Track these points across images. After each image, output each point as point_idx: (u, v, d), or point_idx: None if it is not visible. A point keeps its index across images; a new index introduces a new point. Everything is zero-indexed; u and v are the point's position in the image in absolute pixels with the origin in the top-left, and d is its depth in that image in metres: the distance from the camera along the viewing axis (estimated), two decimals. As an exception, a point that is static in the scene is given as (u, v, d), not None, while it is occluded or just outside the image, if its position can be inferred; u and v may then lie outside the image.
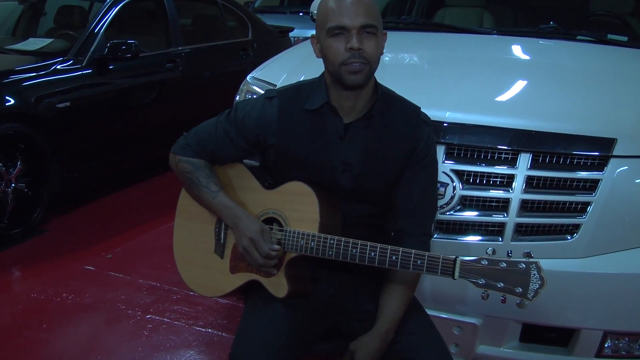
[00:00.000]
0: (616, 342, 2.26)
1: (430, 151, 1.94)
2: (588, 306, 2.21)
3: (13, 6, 5.42)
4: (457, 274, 1.67)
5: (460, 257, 1.70)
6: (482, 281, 1.65)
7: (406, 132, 1.89)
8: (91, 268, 3.74)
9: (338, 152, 1.87)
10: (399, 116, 1.90)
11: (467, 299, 2.27)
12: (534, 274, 1.62)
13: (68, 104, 4.27)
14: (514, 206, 2.21)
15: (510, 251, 1.68)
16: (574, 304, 2.21)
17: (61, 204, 4.53)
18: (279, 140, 1.89)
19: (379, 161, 1.88)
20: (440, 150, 2.26)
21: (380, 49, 1.80)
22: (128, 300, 3.38)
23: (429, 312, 2.19)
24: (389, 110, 1.89)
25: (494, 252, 1.69)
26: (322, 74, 1.89)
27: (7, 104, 3.92)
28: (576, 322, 2.24)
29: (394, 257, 1.73)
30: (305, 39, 7.14)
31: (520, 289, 1.63)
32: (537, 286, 1.62)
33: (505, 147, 2.24)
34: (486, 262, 1.65)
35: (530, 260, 1.63)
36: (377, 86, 1.90)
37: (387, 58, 3.05)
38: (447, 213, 2.26)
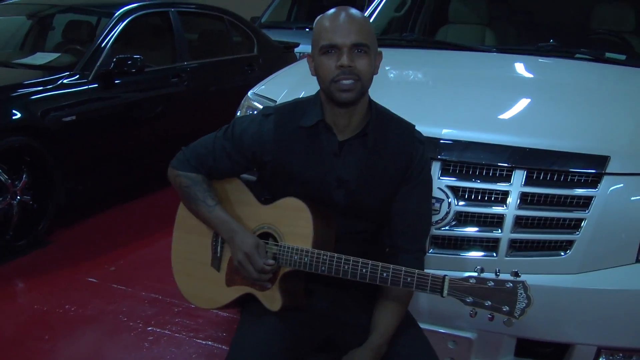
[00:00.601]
0: (610, 357, 2.28)
1: (425, 169, 1.97)
2: (582, 322, 2.23)
3: (22, 21, 5.49)
4: (445, 291, 1.70)
5: (449, 275, 1.72)
6: (470, 299, 1.68)
7: (400, 150, 1.92)
8: (94, 280, 3.78)
9: (332, 169, 1.90)
10: (393, 134, 1.93)
11: (462, 314, 2.29)
12: (521, 293, 1.65)
13: (74, 117, 4.32)
14: (508, 222, 2.24)
15: (499, 270, 1.71)
16: (567, 320, 2.24)
17: (66, 216, 4.58)
18: (275, 157, 1.93)
19: (374, 178, 1.91)
20: (436, 167, 2.30)
21: (372, 68, 1.84)
22: (130, 312, 3.42)
23: (425, 326, 2.22)
24: (383, 129, 1.92)
25: (482, 270, 1.71)
26: (318, 92, 1.94)
27: (13, 117, 3.98)
28: (570, 338, 2.26)
29: (384, 274, 1.76)
30: (311, 54, 7.20)
31: (507, 308, 1.66)
32: (524, 305, 1.65)
33: (500, 164, 2.27)
34: (474, 281, 1.68)
35: (518, 279, 1.66)
36: (372, 104, 1.93)
37: (386, 75, 3.10)
38: (443, 228, 2.30)
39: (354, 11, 1.84)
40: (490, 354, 2.35)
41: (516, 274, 1.67)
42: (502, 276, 1.68)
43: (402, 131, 1.95)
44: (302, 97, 2.02)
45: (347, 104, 1.82)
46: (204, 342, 3.17)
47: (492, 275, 1.69)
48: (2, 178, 3.91)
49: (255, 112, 2.08)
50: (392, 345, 1.92)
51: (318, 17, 1.88)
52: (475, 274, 1.69)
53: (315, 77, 1.88)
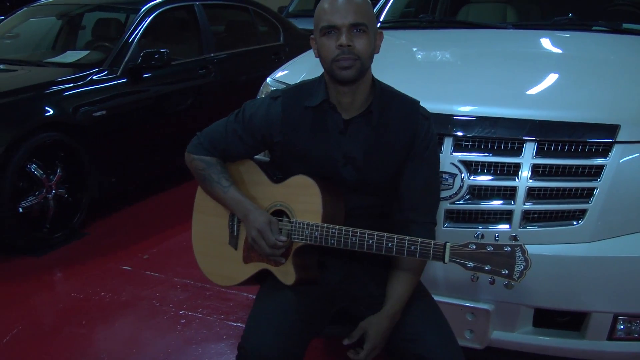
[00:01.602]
0: (628, 325, 2.30)
1: (431, 143, 2.01)
2: (596, 289, 2.25)
3: (52, 22, 5.64)
4: (447, 258, 1.76)
5: (450, 242, 1.77)
6: (470, 264, 1.73)
7: (405, 126, 1.97)
8: (128, 268, 3.91)
9: (339, 147, 1.96)
10: (397, 111, 1.98)
11: (479, 285, 2.33)
12: (519, 256, 1.69)
13: (104, 112, 4.46)
14: (520, 194, 2.27)
15: (497, 235, 1.75)
16: (582, 288, 2.25)
17: (100, 208, 4.73)
18: (283, 137, 2.00)
19: (380, 155, 1.97)
20: (448, 142, 2.33)
21: (371, 47, 1.89)
22: (163, 298, 3.53)
23: (443, 299, 2.27)
24: (387, 106, 1.97)
25: (482, 236, 1.76)
26: (323, 73, 1.99)
27: (46, 114, 4.12)
28: (586, 306, 2.28)
29: (389, 244, 1.82)
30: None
31: (507, 271, 1.70)
32: (522, 267, 1.69)
33: (511, 137, 2.30)
34: (474, 246, 1.73)
35: (515, 243, 1.70)
36: (375, 83, 1.98)
37: (402, 55, 3.14)
38: (457, 202, 2.33)
39: None
40: (509, 325, 2.38)
41: (514, 238, 1.71)
42: (501, 241, 1.73)
43: (406, 108, 2.00)
44: (307, 80, 2.08)
45: (349, 81, 1.87)
46: (234, 324, 3.26)
47: (491, 241, 1.73)
48: (37, 173, 4.05)
49: (265, 96, 2.15)
50: (404, 314, 1.99)
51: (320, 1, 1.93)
52: (474, 240, 1.74)
53: (318, 58, 1.95)
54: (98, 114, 4.41)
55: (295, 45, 6.56)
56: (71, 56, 4.95)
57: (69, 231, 4.31)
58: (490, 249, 1.70)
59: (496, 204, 2.31)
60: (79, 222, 4.38)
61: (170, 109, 5.15)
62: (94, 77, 4.52)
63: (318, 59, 1.97)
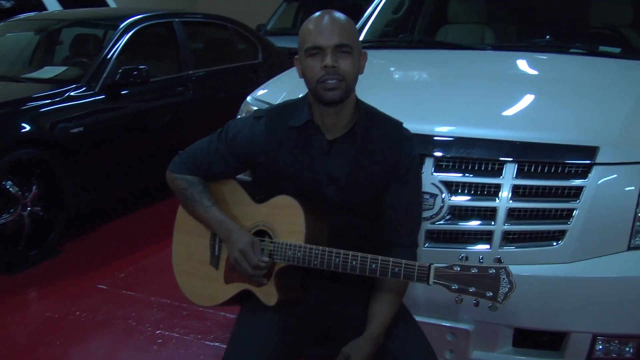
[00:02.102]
0: (607, 345, 2.31)
1: (413, 165, 2.02)
2: (576, 310, 2.26)
3: (30, 37, 5.60)
4: (431, 280, 1.76)
5: (435, 264, 1.78)
6: (455, 286, 1.74)
7: (388, 147, 1.98)
8: (104, 287, 3.86)
9: (323, 167, 1.96)
10: (381, 132, 1.99)
11: (459, 305, 2.34)
12: (504, 278, 1.70)
13: (82, 129, 4.41)
14: (501, 214, 2.28)
15: (482, 257, 1.76)
16: (562, 308, 2.27)
17: (76, 226, 4.66)
18: (267, 157, 2.00)
19: (363, 175, 1.97)
20: (429, 163, 2.34)
21: (356, 68, 1.90)
22: (139, 317, 3.49)
23: (423, 319, 2.27)
24: (371, 127, 1.98)
25: (466, 258, 1.77)
26: (307, 93, 2.00)
27: (23, 130, 4.07)
28: (565, 326, 2.30)
29: (373, 265, 1.82)
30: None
31: (491, 293, 1.71)
32: (507, 290, 1.70)
33: (491, 158, 2.32)
34: (458, 268, 1.74)
35: (500, 265, 1.71)
36: (359, 103, 1.99)
37: (381, 75, 3.16)
38: (437, 223, 2.34)
39: (336, 14, 1.90)
40: (489, 345, 2.39)
41: (498, 260, 1.72)
42: (485, 263, 1.73)
43: (389, 129, 2.00)
44: (291, 99, 2.08)
45: (334, 102, 1.88)
46: (211, 344, 3.23)
47: (475, 263, 1.74)
48: (12, 190, 4.00)
49: (248, 115, 2.14)
50: (387, 337, 1.97)
51: (305, 21, 1.94)
52: (459, 262, 1.74)
53: (302, 79, 1.95)
54: (75, 130, 4.36)
55: (274, 64, 6.58)
56: (49, 72, 4.91)
57: (45, 249, 4.24)
58: (474, 271, 1.70)
59: (476, 224, 2.32)
60: (54, 240, 4.31)
61: (148, 126, 5.12)
62: (72, 93, 4.48)
63: (299, 78, 1.97)
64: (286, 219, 1.95)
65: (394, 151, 1.97)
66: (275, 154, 1.99)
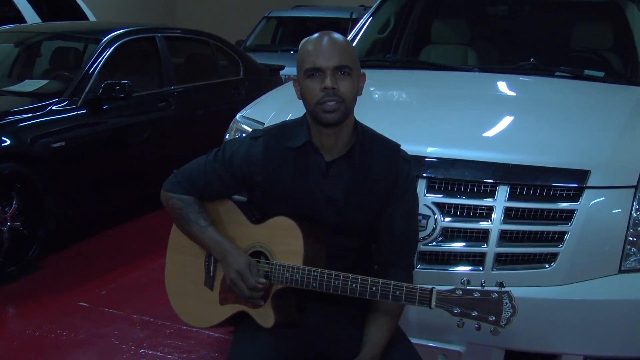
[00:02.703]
0: (596, 367, 2.34)
1: (411, 187, 2.03)
2: (567, 332, 2.28)
3: (10, 49, 5.53)
4: (433, 303, 1.76)
5: (437, 288, 1.78)
6: (457, 310, 1.74)
7: (387, 169, 1.98)
8: (85, 304, 3.79)
9: (321, 189, 1.96)
10: (379, 154, 1.99)
11: (451, 327, 2.34)
12: (506, 303, 1.70)
13: (63, 143, 4.35)
14: (493, 236, 2.30)
15: (484, 281, 1.77)
16: (553, 330, 2.29)
17: (56, 242, 4.59)
18: (264, 178, 1.99)
19: (361, 197, 1.97)
20: (422, 184, 2.35)
21: (355, 89, 1.90)
22: (122, 335, 3.43)
23: (414, 340, 2.26)
24: (369, 149, 1.98)
25: (468, 282, 1.77)
26: (305, 114, 1.99)
27: (3, 144, 4.00)
28: (556, 348, 2.31)
29: (374, 288, 1.82)
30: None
31: (494, 317, 1.71)
32: (510, 314, 1.70)
33: (484, 180, 2.34)
34: (461, 292, 1.74)
35: (503, 289, 1.71)
36: (357, 125, 1.99)
37: (370, 95, 3.17)
38: (430, 244, 2.35)
39: (336, 35, 1.91)
40: (480, 367, 2.39)
41: (501, 285, 1.73)
42: (488, 287, 1.74)
43: (388, 151, 2.01)
44: (289, 120, 2.08)
45: (333, 124, 1.88)
46: (196, 363, 3.20)
47: (478, 287, 1.74)
48: (-8, 205, 3.93)
49: (245, 135, 2.13)
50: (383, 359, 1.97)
51: (302, 42, 1.94)
52: (461, 285, 1.75)
53: (301, 100, 1.95)
54: (57, 145, 4.30)
55: (255, 80, 6.58)
56: (30, 85, 4.84)
57: (24, 265, 4.16)
58: (477, 295, 1.71)
59: (469, 246, 2.33)
60: (34, 256, 4.23)
61: (130, 142, 5.07)
62: (54, 108, 4.42)
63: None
64: (284, 240, 1.94)
65: (392, 173, 1.98)
66: (273, 174, 1.98)
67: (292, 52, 8.58)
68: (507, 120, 2.77)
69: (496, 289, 1.71)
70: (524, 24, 4.24)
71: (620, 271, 2.29)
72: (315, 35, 1.93)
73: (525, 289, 2.27)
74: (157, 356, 3.25)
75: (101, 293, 3.95)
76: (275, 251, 1.95)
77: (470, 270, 2.32)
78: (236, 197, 2.16)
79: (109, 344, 3.36)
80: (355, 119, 1.99)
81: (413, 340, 2.20)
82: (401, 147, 2.06)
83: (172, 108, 5.41)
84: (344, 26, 8.93)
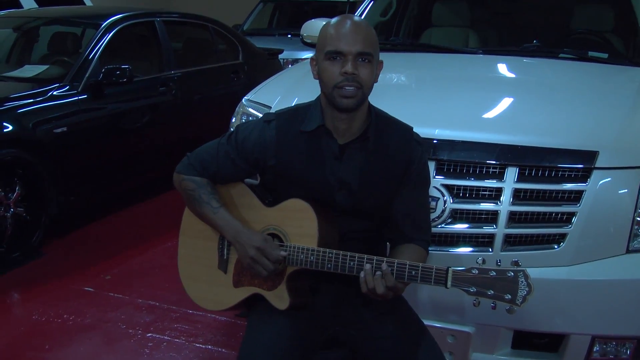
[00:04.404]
0: (604, 346, 2.36)
1: (424, 169, 2.04)
2: (575, 312, 2.30)
3: (7, 34, 5.50)
4: (449, 283, 1.76)
5: (452, 267, 1.79)
6: (473, 289, 1.75)
7: (400, 152, 1.99)
8: (90, 289, 3.80)
9: (334, 172, 1.96)
10: (393, 137, 2.00)
11: (460, 307, 2.37)
12: (522, 281, 1.71)
13: (65, 129, 4.35)
14: (502, 218, 2.31)
15: (500, 260, 1.78)
16: (562, 310, 2.31)
17: (60, 227, 4.60)
18: (277, 161, 1.99)
19: (375, 180, 1.98)
20: (431, 166, 2.36)
21: (373, 76, 1.91)
22: (128, 320, 3.45)
23: (424, 321, 2.28)
24: (383, 132, 1.98)
25: (483, 261, 1.79)
26: (319, 97, 2.00)
27: (4, 130, 4.00)
28: (565, 328, 2.34)
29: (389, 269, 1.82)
30: (295, 60, 7.25)
31: (510, 296, 1.72)
32: (525, 293, 1.71)
33: (493, 162, 2.35)
34: (476, 272, 1.75)
35: (518, 268, 1.72)
36: (372, 109, 2.00)
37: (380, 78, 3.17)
38: (439, 226, 2.36)
39: (360, 20, 1.91)
40: (489, 347, 2.41)
41: (516, 264, 1.74)
42: (503, 266, 1.75)
43: (401, 134, 2.01)
44: (302, 103, 2.08)
45: (348, 110, 1.88)
46: (203, 346, 3.21)
47: (493, 266, 1.75)
48: (-5, 191, 3.93)
49: (257, 119, 2.13)
50: (396, 344, 1.98)
51: (326, 22, 1.94)
52: (477, 265, 1.76)
53: (308, 83, 1.94)
54: (58, 130, 4.30)
55: (254, 64, 6.56)
56: (30, 70, 4.82)
57: (28, 251, 4.18)
58: (493, 274, 1.72)
59: (478, 227, 2.34)
60: (37, 242, 4.25)
61: (131, 126, 5.07)
62: (54, 93, 4.41)
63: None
64: (298, 223, 1.94)
65: (406, 156, 1.98)
66: (286, 158, 1.98)
67: (289, 35, 8.54)
68: (514, 102, 2.78)
69: (512, 267, 1.72)
70: (524, 6, 4.24)
71: (627, 251, 2.31)
72: (339, 18, 1.93)
73: (534, 269, 2.27)
74: (164, 340, 3.26)
75: (106, 278, 3.96)
76: (289, 233, 1.96)
77: (480, 251, 2.33)
78: (248, 180, 2.16)
79: (115, 328, 3.37)
80: (369, 102, 1.99)
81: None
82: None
83: (172, 92, 5.40)
84: (340, 9, 8.90)
